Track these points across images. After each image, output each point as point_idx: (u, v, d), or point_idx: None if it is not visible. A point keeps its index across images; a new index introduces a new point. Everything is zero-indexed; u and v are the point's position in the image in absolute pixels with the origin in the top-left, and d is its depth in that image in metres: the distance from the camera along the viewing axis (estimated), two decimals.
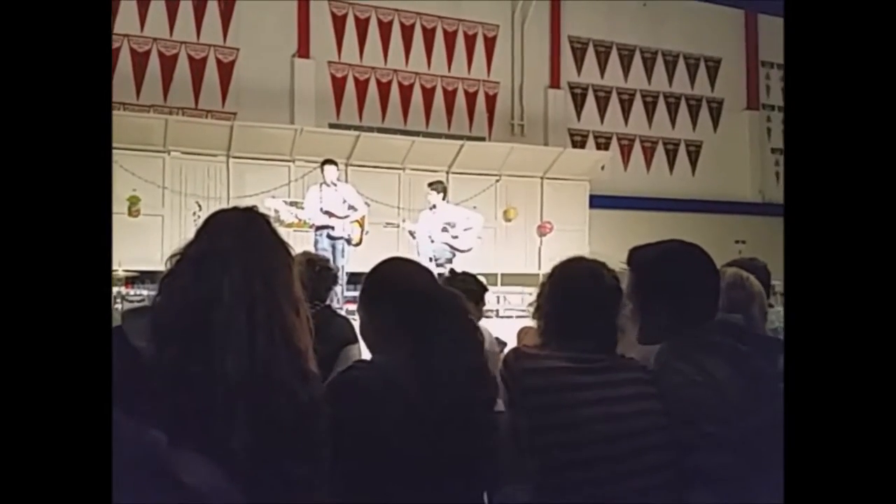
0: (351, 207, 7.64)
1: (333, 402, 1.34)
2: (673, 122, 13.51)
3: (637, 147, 13.21)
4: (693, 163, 13.61)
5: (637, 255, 1.78)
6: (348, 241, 7.61)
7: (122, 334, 1.21)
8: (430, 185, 8.23)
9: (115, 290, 8.04)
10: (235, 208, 1.39)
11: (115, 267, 8.09)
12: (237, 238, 1.28)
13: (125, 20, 10.00)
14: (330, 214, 7.50)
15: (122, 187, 9.07)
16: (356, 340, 3.02)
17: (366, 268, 1.65)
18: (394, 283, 1.58)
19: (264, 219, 1.35)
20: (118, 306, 7.17)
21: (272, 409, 1.20)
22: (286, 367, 1.23)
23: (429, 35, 11.81)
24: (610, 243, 8.06)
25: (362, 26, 11.37)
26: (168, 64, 10.32)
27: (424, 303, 1.52)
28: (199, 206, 8.11)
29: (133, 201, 9.10)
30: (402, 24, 11.63)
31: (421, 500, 1.39)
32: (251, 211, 1.36)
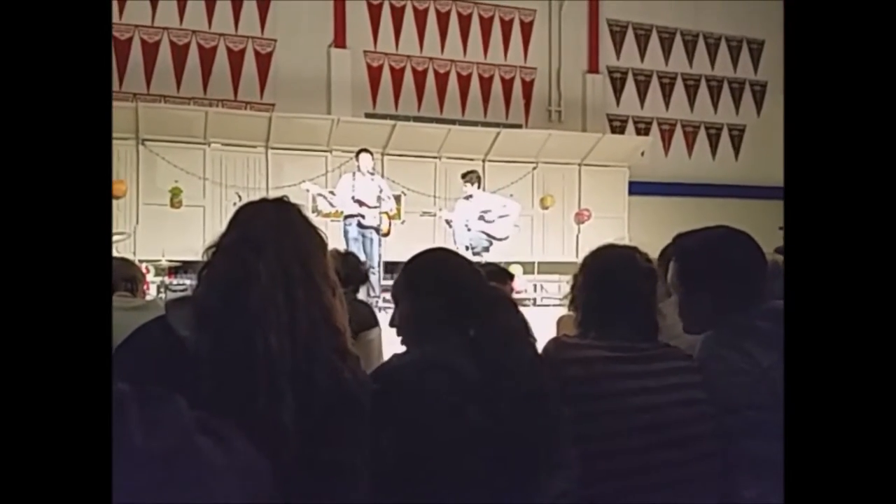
0: (380, 199, 7.65)
1: (386, 391, 1.34)
2: (715, 106, 13.20)
3: (678, 132, 12.95)
4: (736, 148, 13.29)
5: (681, 243, 1.75)
6: (377, 231, 7.62)
7: (166, 324, 1.24)
8: (464, 176, 8.20)
9: (158, 279, 8.23)
10: (265, 199, 1.42)
11: (158, 257, 8.28)
12: (269, 224, 1.30)
13: (164, 14, 10.16)
14: (361, 203, 7.52)
15: (164, 179, 9.27)
16: (377, 324, 3.03)
17: (400, 257, 1.65)
18: (444, 273, 1.56)
19: (295, 207, 1.37)
20: (162, 295, 7.34)
21: (317, 387, 1.21)
22: (327, 345, 1.25)
23: (465, 21, 11.73)
24: (649, 230, 7.93)
25: (398, 14, 11.35)
26: (207, 56, 10.45)
27: (476, 295, 1.51)
28: (239, 196, 8.19)
29: (175, 192, 9.28)
30: (437, 12, 11.58)
31: (471, 489, 1.38)
32: (281, 200, 1.39)
